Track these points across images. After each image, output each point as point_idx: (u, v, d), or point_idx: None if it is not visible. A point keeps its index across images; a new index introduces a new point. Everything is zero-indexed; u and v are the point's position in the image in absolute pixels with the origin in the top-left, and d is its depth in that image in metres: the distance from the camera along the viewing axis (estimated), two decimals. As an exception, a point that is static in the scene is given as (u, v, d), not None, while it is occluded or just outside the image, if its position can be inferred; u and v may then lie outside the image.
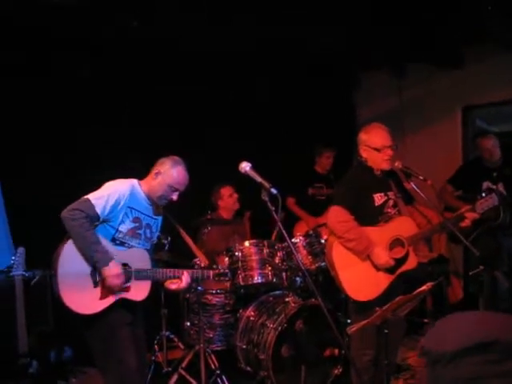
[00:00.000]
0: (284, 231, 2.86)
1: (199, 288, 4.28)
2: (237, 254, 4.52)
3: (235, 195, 5.27)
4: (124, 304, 3.27)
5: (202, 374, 4.26)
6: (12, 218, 4.74)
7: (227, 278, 3.83)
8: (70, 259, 3.14)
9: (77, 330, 3.26)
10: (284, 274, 4.60)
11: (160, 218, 3.59)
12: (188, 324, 4.81)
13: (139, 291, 3.34)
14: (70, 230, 3.11)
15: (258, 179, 2.91)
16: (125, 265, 3.27)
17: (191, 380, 4.42)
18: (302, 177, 6.23)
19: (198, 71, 5.61)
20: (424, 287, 3.09)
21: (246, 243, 4.61)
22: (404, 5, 5.02)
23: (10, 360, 3.89)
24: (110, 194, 3.21)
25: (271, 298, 4.72)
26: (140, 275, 3.33)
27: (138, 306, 3.40)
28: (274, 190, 2.83)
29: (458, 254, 5.95)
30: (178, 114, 5.61)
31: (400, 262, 3.72)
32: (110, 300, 3.21)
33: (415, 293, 3.07)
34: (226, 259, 4.59)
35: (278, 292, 4.80)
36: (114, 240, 3.28)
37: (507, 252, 4.84)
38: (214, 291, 4.77)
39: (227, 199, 5.25)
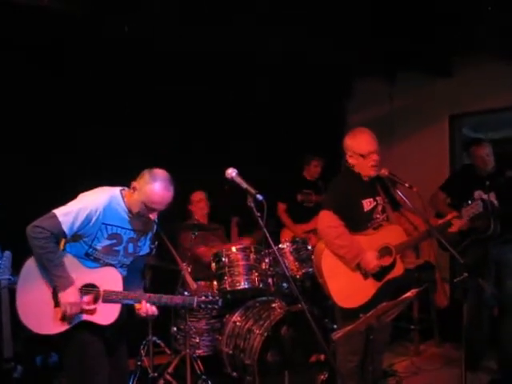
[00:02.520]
0: (269, 237, 2.87)
1: (186, 293, 4.27)
2: (223, 259, 4.53)
3: (204, 200, 5.31)
4: (90, 325, 3.05)
5: (187, 379, 4.27)
6: (-1, 221, 4.72)
7: (216, 307, 3.47)
8: (32, 275, 2.96)
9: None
10: (271, 279, 4.60)
11: (151, 232, 3.34)
12: (174, 329, 4.81)
13: (106, 315, 3.07)
14: (32, 248, 2.91)
15: (244, 185, 2.91)
16: (92, 286, 3.05)
17: (177, 385, 4.42)
18: (291, 183, 6.26)
19: (192, 72, 5.65)
20: (409, 293, 3.10)
21: (233, 249, 4.61)
22: (395, 15, 5.06)
23: (-6, 364, 3.87)
24: (80, 209, 2.94)
25: (258, 304, 4.72)
26: (108, 298, 3.07)
27: (109, 327, 3.12)
28: (259, 196, 2.83)
29: (444, 261, 5.98)
30: (175, 114, 5.64)
31: (387, 269, 3.74)
32: (72, 322, 3.01)
33: (400, 299, 3.08)
34: (213, 264, 4.59)
35: (264, 298, 4.80)
36: (87, 255, 3.07)
37: (494, 261, 4.85)
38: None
39: (197, 203, 5.29)
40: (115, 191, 3.13)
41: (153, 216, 3.14)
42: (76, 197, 3.08)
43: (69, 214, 2.93)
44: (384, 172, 3.75)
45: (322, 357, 4.34)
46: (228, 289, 4.49)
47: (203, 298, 3.30)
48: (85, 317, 3.04)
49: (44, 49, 4.84)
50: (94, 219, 2.98)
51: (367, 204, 3.78)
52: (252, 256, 4.51)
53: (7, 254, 3.96)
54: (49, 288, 2.99)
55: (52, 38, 4.77)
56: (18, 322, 3.88)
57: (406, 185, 3.67)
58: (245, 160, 4.00)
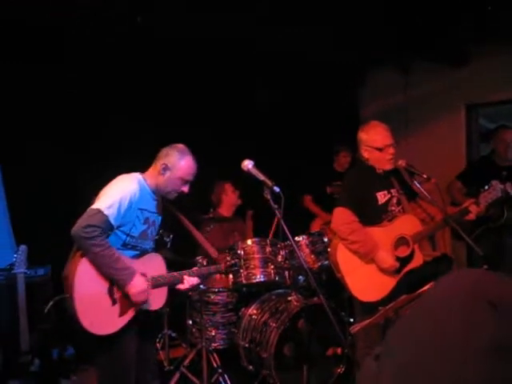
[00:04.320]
0: (286, 229, 2.84)
1: (201, 286, 4.25)
2: (239, 252, 4.50)
3: (237, 191, 5.27)
4: (139, 316, 3.08)
5: (204, 372, 4.26)
6: (14, 216, 4.73)
7: (236, 268, 3.68)
8: (85, 280, 2.87)
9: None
10: (286, 272, 4.57)
11: (161, 214, 3.36)
12: (190, 322, 4.80)
13: (157, 300, 3.14)
14: (86, 250, 2.84)
15: (261, 177, 2.90)
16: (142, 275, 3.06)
17: (193, 379, 4.41)
18: (321, 175, 6.21)
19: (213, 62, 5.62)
20: (428, 286, 3.06)
21: (249, 241, 4.58)
22: (411, 3, 4.99)
23: (11, 358, 3.88)
24: (122, 197, 2.93)
25: (273, 297, 4.70)
26: (157, 283, 3.11)
27: (153, 315, 3.22)
28: (276, 188, 2.83)
29: (461, 252, 5.92)
30: (182, 111, 5.60)
31: (406, 260, 3.71)
32: (129, 315, 3.01)
33: (419, 292, 3.05)
34: (228, 257, 4.56)
35: (280, 291, 4.78)
36: (124, 245, 3.05)
37: (510, 251, 4.80)
38: (216, 289, 4.76)
39: (231, 194, 5.25)
40: (138, 176, 3.15)
41: (186, 189, 3.19)
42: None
43: (112, 206, 2.90)
44: (401, 163, 3.72)
45: (339, 350, 4.32)
46: (244, 282, 4.45)
47: (227, 263, 3.58)
48: (140, 306, 3.05)
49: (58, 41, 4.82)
50: (133, 205, 2.99)
51: (381, 197, 3.77)
52: (268, 249, 4.47)
53: (23, 247, 3.98)
54: (104, 288, 2.94)
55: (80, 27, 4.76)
56: (32, 315, 3.96)
57: (424, 176, 3.64)
58: (261, 152, 3.97)
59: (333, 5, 4.87)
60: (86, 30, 4.70)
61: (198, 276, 3.33)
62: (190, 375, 4.43)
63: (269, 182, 2.86)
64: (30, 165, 4.74)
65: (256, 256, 4.45)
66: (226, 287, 4.72)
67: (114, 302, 2.96)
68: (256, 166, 2.98)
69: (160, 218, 3.33)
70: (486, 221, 4.50)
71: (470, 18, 5.26)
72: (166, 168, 3.12)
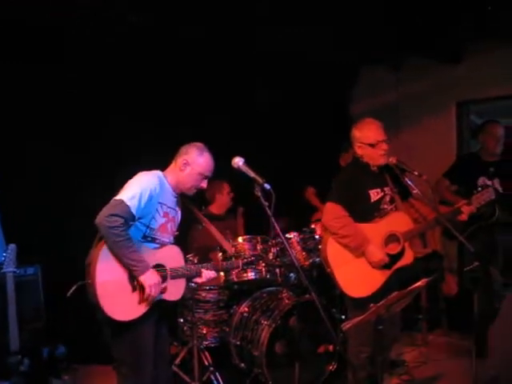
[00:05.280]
0: (277, 226, 2.83)
1: (192, 284, 4.24)
2: (230, 250, 4.49)
3: (231, 194, 5.24)
4: (157, 305, 3.18)
5: (195, 370, 4.26)
6: (3, 215, 4.69)
7: (254, 266, 3.78)
8: (107, 267, 2.99)
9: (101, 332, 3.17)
10: (278, 270, 4.58)
11: (180, 210, 3.48)
12: (181, 320, 4.78)
13: (175, 291, 3.26)
14: (107, 238, 2.96)
15: (252, 174, 2.91)
16: (159, 266, 3.18)
17: (184, 377, 4.41)
18: (326, 170, 6.18)
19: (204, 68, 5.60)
20: (419, 283, 3.08)
21: (240, 239, 4.59)
22: (402, 1, 4.99)
23: (1, 358, 3.85)
24: (143, 190, 3.07)
25: (265, 295, 4.70)
26: (175, 275, 3.24)
27: (171, 303, 3.32)
28: (267, 186, 2.84)
29: (452, 249, 5.93)
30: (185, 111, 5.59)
31: (396, 257, 3.72)
32: (149, 303, 3.11)
33: (410, 289, 3.06)
34: (219, 254, 4.56)
35: (271, 288, 4.77)
36: (144, 237, 3.17)
37: (502, 249, 4.82)
38: (207, 287, 4.74)
39: (226, 195, 5.21)
40: (159, 173, 3.28)
41: (205, 184, 3.34)
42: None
43: (134, 197, 3.02)
44: (392, 160, 3.74)
45: (331, 347, 4.32)
46: (235, 280, 4.46)
47: (245, 260, 3.65)
48: (159, 296, 3.14)
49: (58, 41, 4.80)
50: (154, 198, 3.12)
51: (374, 194, 3.79)
52: (259, 246, 4.47)
53: (12, 246, 3.95)
54: (124, 274, 3.05)
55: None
56: (22, 314, 3.93)
57: (415, 173, 3.65)
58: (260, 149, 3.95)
59: (329, 4, 4.86)
60: (86, 30, 4.67)
61: (216, 270, 3.51)
62: (181, 373, 4.44)
63: (259, 179, 2.87)
64: (25, 164, 4.74)
65: (247, 254, 4.45)
66: (217, 285, 4.70)
67: (133, 289, 3.07)
68: (247, 163, 2.98)
69: (179, 214, 3.47)
70: (478, 219, 4.50)
71: (462, 15, 5.26)
72: (186, 164, 3.27)
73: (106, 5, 4.40)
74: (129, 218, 3.00)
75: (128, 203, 2.99)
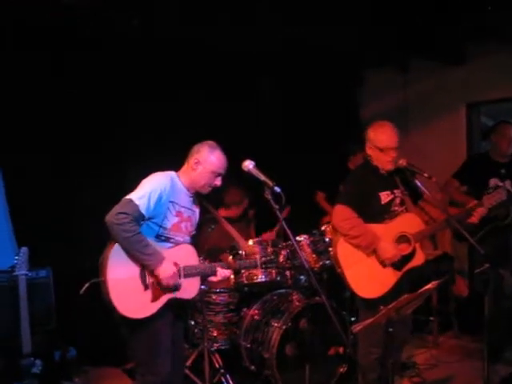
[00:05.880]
0: (288, 229, 2.84)
1: (202, 287, 4.25)
2: (240, 252, 4.50)
3: (250, 210, 5.27)
4: (172, 304, 3.21)
5: (206, 373, 4.26)
6: (15, 218, 4.73)
7: (274, 265, 3.71)
8: (118, 264, 3.04)
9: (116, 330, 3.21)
10: (288, 272, 4.59)
11: (198, 210, 3.50)
12: (192, 323, 4.79)
13: (189, 289, 3.29)
14: (117, 235, 3.00)
15: (262, 177, 2.93)
16: (174, 264, 3.20)
17: (195, 379, 4.42)
18: (335, 174, 6.18)
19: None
20: (429, 285, 3.06)
21: (250, 242, 4.59)
22: (406, 3, 4.98)
23: (13, 360, 3.88)
24: (152, 190, 3.10)
25: (275, 297, 4.69)
26: (189, 273, 3.26)
27: (184, 303, 3.36)
28: (277, 189, 2.86)
29: (462, 251, 5.92)
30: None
31: (407, 258, 3.71)
32: (162, 301, 3.15)
33: (420, 291, 3.05)
34: (230, 257, 4.56)
35: (282, 291, 4.77)
36: (158, 237, 3.20)
37: None
38: (217, 290, 4.75)
39: (241, 208, 5.17)
40: (172, 173, 3.32)
41: (218, 182, 3.33)
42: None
43: (143, 196, 3.06)
44: (402, 162, 3.73)
45: (341, 349, 4.31)
46: (245, 282, 4.47)
47: (263, 258, 3.63)
48: (172, 294, 3.18)
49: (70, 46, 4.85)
50: (164, 197, 3.14)
51: (384, 196, 3.79)
52: (269, 249, 4.48)
53: (24, 249, 3.98)
54: (136, 272, 3.09)
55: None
56: (33, 317, 3.95)
57: (425, 175, 3.64)
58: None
59: (331, 6, 4.87)
60: (86, 30, 4.70)
61: (233, 269, 3.52)
62: (192, 376, 4.44)
63: (269, 183, 2.88)
64: (31, 168, 4.73)
65: (257, 256, 4.45)
66: (227, 287, 4.71)
67: (146, 287, 3.10)
68: (257, 166, 3.00)
69: (197, 213, 3.50)
70: (491, 221, 4.47)
71: (469, 16, 5.25)
72: (198, 163, 3.28)
73: (105, 5, 4.44)
74: (137, 217, 3.03)
75: (137, 202, 3.03)
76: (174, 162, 3.42)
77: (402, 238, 3.71)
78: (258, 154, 3.31)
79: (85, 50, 4.86)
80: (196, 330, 4.75)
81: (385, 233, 3.70)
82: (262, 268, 3.62)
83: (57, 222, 4.76)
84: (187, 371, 4.42)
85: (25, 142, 4.71)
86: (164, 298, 3.15)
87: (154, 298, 3.12)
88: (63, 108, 4.91)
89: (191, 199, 3.39)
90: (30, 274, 4.04)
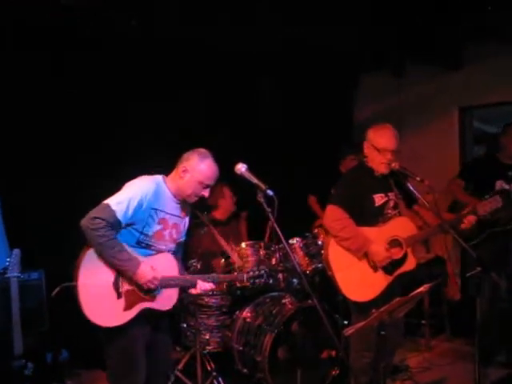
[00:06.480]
0: (280, 232, 2.85)
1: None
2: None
3: (235, 197, 5.22)
4: (147, 314, 3.09)
5: (198, 376, 4.26)
6: (7, 220, 4.71)
7: (263, 280, 3.51)
8: (91, 269, 2.93)
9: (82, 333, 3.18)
10: (281, 275, 4.58)
11: (187, 218, 3.38)
12: (184, 326, 4.78)
13: (166, 300, 3.16)
14: (91, 240, 2.89)
15: (254, 180, 2.92)
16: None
17: (187, 382, 4.41)
18: (327, 177, 6.19)
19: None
20: (421, 289, 3.07)
21: (243, 244, 4.59)
22: (403, 5, 5.00)
23: (5, 362, 3.86)
24: (132, 197, 2.96)
25: (268, 300, 4.69)
26: (167, 284, 3.12)
27: (163, 314, 3.22)
28: (269, 192, 2.85)
29: (455, 255, 5.93)
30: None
31: (398, 262, 3.71)
32: (135, 311, 3.02)
33: (412, 294, 3.06)
34: (222, 261, 4.57)
35: (274, 293, 4.77)
36: (138, 243, 3.07)
37: None
38: (210, 293, 4.74)
39: (229, 198, 5.19)
40: (158, 178, 3.18)
41: (206, 193, 3.20)
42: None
43: (121, 202, 2.95)
44: (394, 165, 3.73)
45: (333, 353, 4.32)
46: (238, 285, 4.46)
47: (251, 273, 3.43)
48: (147, 304, 3.06)
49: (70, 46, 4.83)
50: (145, 204, 3.01)
51: (378, 199, 3.79)
52: (261, 251, 4.48)
53: (16, 251, 3.96)
54: (109, 280, 2.98)
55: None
56: (25, 319, 3.94)
57: (418, 178, 3.64)
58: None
59: (326, 8, 4.88)
60: (86, 30, 4.70)
61: (215, 283, 3.34)
62: (184, 379, 4.43)
63: (262, 186, 2.88)
64: (31, 168, 4.73)
65: (250, 259, 4.47)
66: (220, 290, 4.71)
67: (119, 296, 2.99)
68: (249, 169, 3.00)
69: (184, 221, 3.36)
70: (492, 225, 4.47)
71: (464, 20, 5.27)
72: (185, 171, 3.15)
73: (105, 5, 4.45)
74: (113, 223, 2.92)
75: (114, 208, 2.92)
76: (174, 163, 3.32)
77: (394, 242, 3.71)
78: (258, 154, 3.30)
79: (85, 50, 4.84)
80: (188, 333, 4.75)
81: (377, 236, 3.70)
82: (249, 283, 3.45)
83: (49, 224, 4.73)
84: (179, 374, 4.42)
85: (24, 142, 4.70)
86: (137, 308, 3.03)
87: (127, 307, 2.99)
88: (63, 108, 4.90)
89: (179, 205, 3.24)
90: (22, 276, 4.02)
